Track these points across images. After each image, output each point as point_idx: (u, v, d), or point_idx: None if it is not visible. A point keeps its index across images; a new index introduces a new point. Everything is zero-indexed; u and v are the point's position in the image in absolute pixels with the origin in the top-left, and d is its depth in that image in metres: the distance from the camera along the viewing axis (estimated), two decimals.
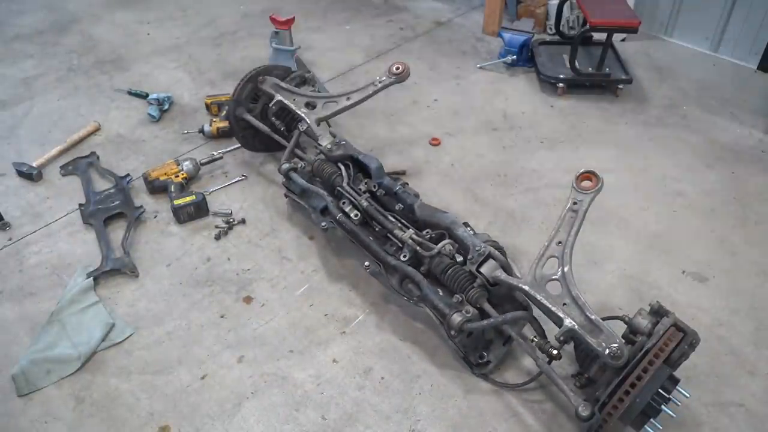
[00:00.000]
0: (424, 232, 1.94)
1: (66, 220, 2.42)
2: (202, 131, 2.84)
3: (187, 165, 2.56)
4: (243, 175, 2.64)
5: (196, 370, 1.86)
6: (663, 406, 1.47)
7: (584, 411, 1.51)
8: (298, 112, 2.38)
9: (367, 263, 1.93)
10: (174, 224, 2.39)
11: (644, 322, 1.57)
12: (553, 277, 1.68)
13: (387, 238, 2.00)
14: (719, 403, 1.78)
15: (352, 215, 2.06)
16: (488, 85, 3.35)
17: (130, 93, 3.19)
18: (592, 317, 1.57)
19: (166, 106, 3.06)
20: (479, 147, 2.86)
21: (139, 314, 2.04)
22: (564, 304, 1.62)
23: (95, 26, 3.93)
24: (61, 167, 2.69)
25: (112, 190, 2.51)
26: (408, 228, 1.95)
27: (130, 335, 1.96)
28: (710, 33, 3.62)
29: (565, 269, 1.67)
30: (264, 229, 2.38)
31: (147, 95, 3.10)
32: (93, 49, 3.65)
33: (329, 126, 2.45)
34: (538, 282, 1.69)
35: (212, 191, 2.55)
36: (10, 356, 1.89)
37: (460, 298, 1.76)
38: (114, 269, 2.16)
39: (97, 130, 2.94)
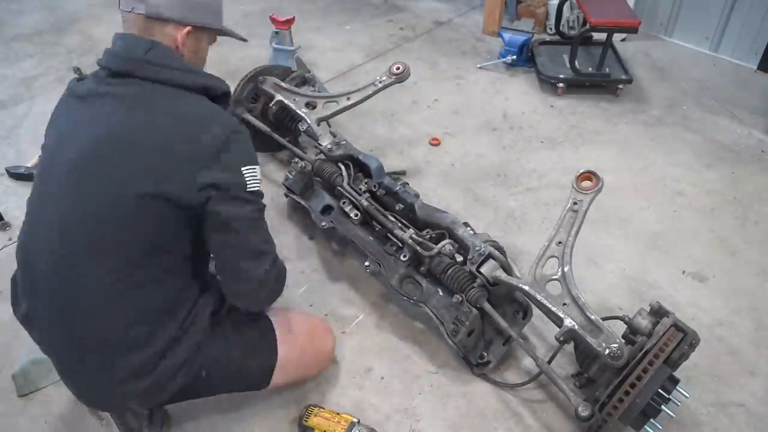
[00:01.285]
0: (424, 232, 1.94)
1: None
2: None
3: None
4: None
5: None
6: (663, 407, 1.47)
7: (584, 411, 1.51)
8: (299, 112, 2.38)
9: (367, 263, 1.93)
10: None
11: (644, 322, 1.57)
12: (553, 277, 1.68)
13: (387, 238, 2.00)
14: (719, 403, 1.78)
15: (352, 215, 2.06)
16: (488, 85, 3.35)
17: None
18: (592, 317, 1.57)
19: None
20: (479, 147, 2.86)
21: None
22: (564, 304, 1.62)
23: (95, 26, 3.93)
24: None
25: None
26: (408, 228, 1.95)
27: None
28: (710, 33, 3.62)
29: (565, 269, 1.67)
30: None
31: None
32: (93, 49, 3.65)
33: (329, 126, 2.45)
34: (538, 282, 1.69)
35: None
36: (10, 356, 1.89)
37: (460, 298, 1.76)
38: None
39: None
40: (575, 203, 1.76)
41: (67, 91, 1.42)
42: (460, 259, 1.88)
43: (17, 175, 2.62)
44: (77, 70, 3.23)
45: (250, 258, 1.37)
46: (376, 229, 2.06)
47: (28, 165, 2.65)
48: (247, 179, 1.30)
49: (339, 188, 2.13)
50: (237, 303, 1.45)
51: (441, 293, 1.86)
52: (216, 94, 1.41)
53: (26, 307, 1.40)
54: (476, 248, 1.78)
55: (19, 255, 1.39)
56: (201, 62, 1.49)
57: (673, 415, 1.49)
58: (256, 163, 1.35)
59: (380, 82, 2.39)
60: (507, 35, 3.44)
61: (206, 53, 1.50)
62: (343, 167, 2.17)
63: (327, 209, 2.15)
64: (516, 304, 1.86)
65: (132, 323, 1.31)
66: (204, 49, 1.47)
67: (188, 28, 1.37)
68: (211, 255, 1.41)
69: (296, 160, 2.28)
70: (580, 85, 3.25)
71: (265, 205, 1.39)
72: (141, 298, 1.30)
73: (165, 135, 1.26)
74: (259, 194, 1.35)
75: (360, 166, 2.18)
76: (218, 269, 1.40)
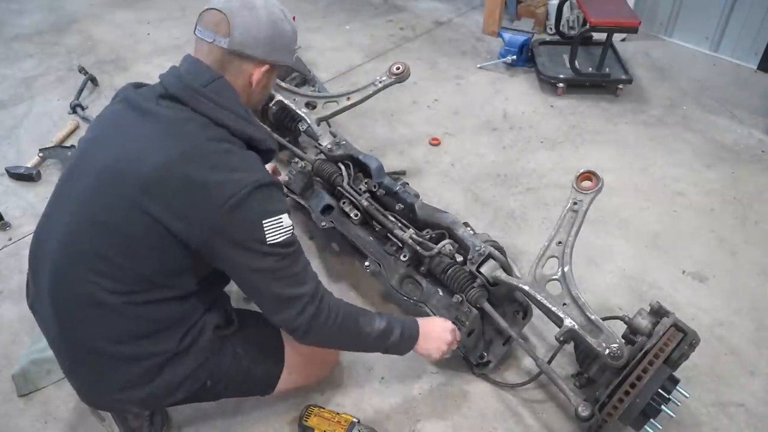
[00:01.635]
0: (424, 232, 1.94)
1: None
2: None
3: None
4: None
5: None
6: (663, 407, 1.47)
7: (584, 411, 1.51)
8: (299, 112, 2.38)
9: (367, 263, 1.93)
10: None
11: (644, 323, 1.57)
12: (553, 277, 1.68)
13: (387, 238, 2.00)
14: (719, 403, 1.78)
15: (352, 215, 2.06)
16: (488, 85, 3.35)
17: None
18: (592, 317, 1.57)
19: None
20: (479, 147, 2.86)
21: None
22: (564, 304, 1.62)
23: (95, 26, 3.93)
24: (43, 149, 2.70)
25: None
26: (408, 228, 1.95)
27: None
28: (710, 33, 3.62)
29: (565, 269, 1.67)
30: None
31: None
32: (93, 49, 3.65)
33: (329, 126, 2.45)
34: (538, 282, 1.69)
35: None
36: (10, 356, 1.89)
37: (460, 298, 1.76)
38: None
39: (77, 128, 2.94)
40: (575, 203, 1.76)
41: (121, 94, 1.38)
42: (460, 259, 1.88)
43: (17, 175, 2.62)
44: (82, 69, 3.23)
45: (275, 305, 1.33)
46: (376, 229, 2.06)
47: (28, 165, 2.65)
48: (267, 233, 1.24)
49: (339, 188, 2.13)
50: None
51: (441, 293, 1.86)
52: (259, 147, 1.37)
53: (32, 300, 1.42)
54: (476, 248, 1.78)
55: (31, 248, 1.39)
56: (264, 96, 1.48)
57: (673, 415, 1.49)
58: (282, 212, 1.28)
59: (380, 82, 2.39)
60: (507, 35, 3.44)
61: (271, 87, 1.50)
62: (343, 167, 2.17)
63: (327, 209, 2.15)
64: (516, 304, 1.86)
65: (124, 339, 1.30)
66: (272, 83, 1.47)
67: (266, 66, 1.36)
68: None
69: (296, 160, 2.27)
70: (580, 85, 3.25)
71: (293, 251, 1.32)
72: (134, 317, 1.29)
73: (190, 173, 1.21)
74: (283, 244, 1.27)
75: (360, 166, 2.18)
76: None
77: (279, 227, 1.26)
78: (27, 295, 1.46)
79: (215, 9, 1.30)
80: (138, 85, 1.39)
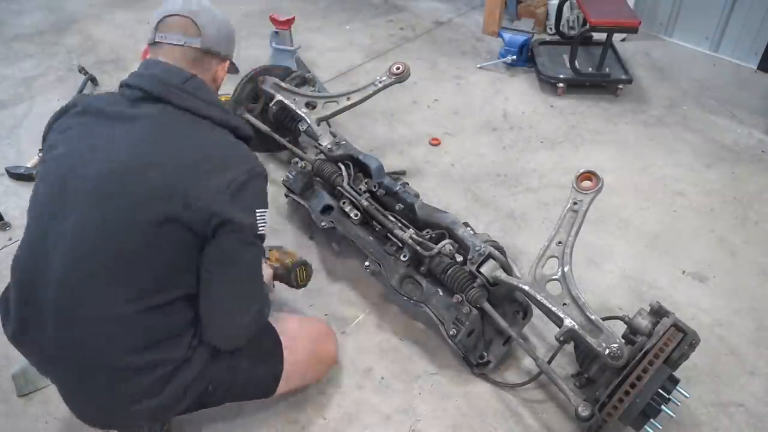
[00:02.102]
0: (424, 232, 1.94)
1: None
2: None
3: None
4: None
5: None
6: (663, 406, 1.47)
7: (584, 411, 1.51)
8: (299, 112, 2.38)
9: (367, 263, 1.93)
10: None
11: (644, 323, 1.57)
12: (553, 277, 1.68)
13: (387, 238, 2.00)
14: (719, 403, 1.78)
15: (352, 215, 2.06)
16: (488, 85, 3.35)
17: None
18: (592, 317, 1.57)
19: None
20: (479, 147, 2.86)
21: None
22: (564, 304, 1.62)
23: (95, 26, 3.94)
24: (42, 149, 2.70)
25: None
26: (408, 228, 1.95)
27: None
28: (710, 33, 3.62)
29: (565, 269, 1.67)
30: None
31: None
32: (93, 49, 3.65)
33: (329, 126, 2.45)
34: (538, 282, 1.69)
35: None
36: (10, 356, 1.89)
37: (460, 298, 1.76)
38: None
39: None
40: (575, 203, 1.76)
41: (82, 107, 1.36)
42: (460, 259, 1.88)
43: (17, 175, 2.62)
44: (82, 69, 3.24)
45: (241, 302, 1.35)
46: (376, 229, 2.06)
47: (28, 165, 2.65)
48: (258, 222, 1.31)
49: (339, 188, 2.13)
50: (212, 342, 1.38)
51: (441, 293, 1.86)
52: (240, 135, 1.42)
53: (18, 327, 1.33)
54: (476, 248, 1.78)
55: (18, 274, 1.32)
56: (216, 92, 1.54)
57: (673, 415, 1.49)
58: (267, 206, 1.36)
59: (380, 82, 2.39)
60: (507, 35, 3.45)
61: None
62: (343, 167, 2.17)
63: (327, 209, 2.15)
64: (516, 304, 1.86)
65: (139, 350, 1.29)
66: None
67: (227, 62, 1.48)
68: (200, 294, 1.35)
69: (296, 160, 2.28)
70: (580, 85, 3.25)
71: (261, 248, 1.38)
72: (148, 325, 1.29)
73: (189, 163, 1.26)
74: (263, 238, 1.35)
75: (360, 166, 2.18)
76: (204, 309, 1.34)
77: (264, 219, 1.34)
78: (5, 323, 1.36)
79: (177, 14, 1.37)
80: (97, 96, 1.41)
